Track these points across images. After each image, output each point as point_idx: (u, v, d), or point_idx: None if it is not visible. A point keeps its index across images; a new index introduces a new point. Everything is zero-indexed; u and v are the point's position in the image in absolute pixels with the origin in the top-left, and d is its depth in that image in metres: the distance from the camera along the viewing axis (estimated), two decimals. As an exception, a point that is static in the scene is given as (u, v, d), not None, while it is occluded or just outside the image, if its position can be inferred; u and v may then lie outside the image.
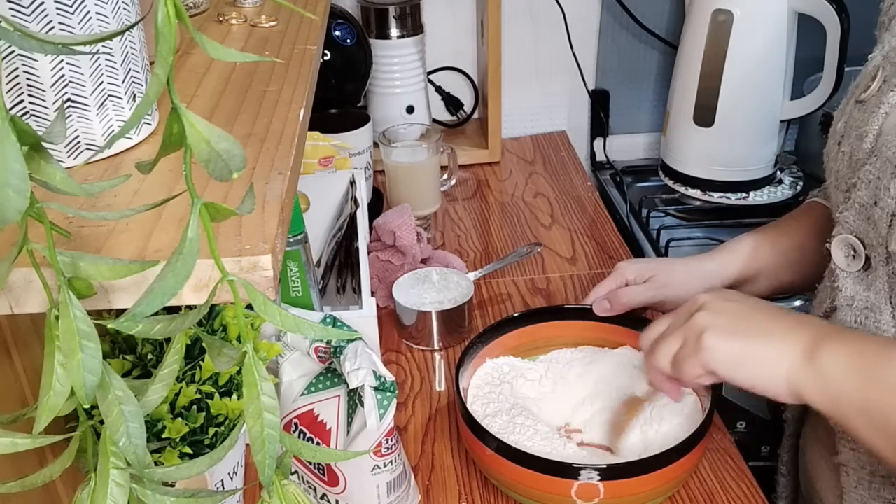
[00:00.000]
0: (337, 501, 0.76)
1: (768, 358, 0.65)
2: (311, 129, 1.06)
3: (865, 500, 0.72)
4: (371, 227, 1.14)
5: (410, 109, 1.46)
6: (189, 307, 0.36)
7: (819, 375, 0.63)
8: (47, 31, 0.41)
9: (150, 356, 0.66)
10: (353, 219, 0.98)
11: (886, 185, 0.66)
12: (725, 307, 0.69)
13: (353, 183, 1.00)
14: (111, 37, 0.37)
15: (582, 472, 0.73)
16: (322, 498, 0.77)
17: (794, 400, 0.65)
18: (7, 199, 0.28)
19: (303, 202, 0.96)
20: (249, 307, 0.36)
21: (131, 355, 0.66)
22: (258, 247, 0.38)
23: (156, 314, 0.33)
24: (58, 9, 0.41)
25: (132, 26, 0.46)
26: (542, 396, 0.89)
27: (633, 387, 0.88)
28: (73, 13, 0.42)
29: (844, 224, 0.72)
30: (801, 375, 0.63)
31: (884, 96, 0.69)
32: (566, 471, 0.74)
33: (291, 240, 0.84)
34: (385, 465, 0.74)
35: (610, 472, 0.74)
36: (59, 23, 0.41)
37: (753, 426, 1.12)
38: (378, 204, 1.33)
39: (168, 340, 0.41)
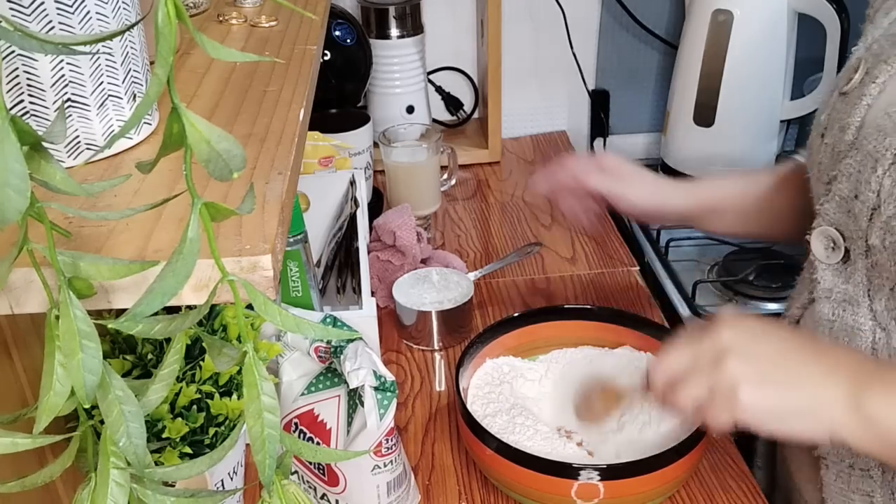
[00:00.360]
0: (337, 501, 0.76)
1: (809, 410, 0.62)
2: (311, 129, 1.06)
3: (845, 493, 0.73)
4: (371, 227, 1.14)
5: (410, 109, 1.46)
6: (189, 307, 0.36)
7: (869, 424, 0.60)
8: (47, 31, 0.41)
9: (150, 356, 0.66)
10: (353, 219, 0.98)
11: (867, 178, 0.66)
12: (755, 351, 0.63)
13: (353, 183, 1.00)
14: (111, 37, 0.37)
15: (582, 472, 0.73)
16: (322, 498, 0.77)
17: (836, 444, 0.64)
18: (7, 199, 0.28)
19: (303, 202, 0.96)
20: (249, 307, 0.36)
21: (131, 355, 0.66)
22: (258, 247, 0.38)
23: (156, 314, 0.33)
24: (58, 9, 0.41)
25: (132, 26, 0.46)
26: (542, 396, 0.89)
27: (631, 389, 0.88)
28: (73, 13, 0.42)
29: (825, 216, 0.72)
30: (848, 425, 0.60)
31: (865, 88, 0.69)
32: (566, 471, 0.74)
33: (291, 240, 0.84)
34: (385, 465, 0.74)
35: (610, 472, 0.74)
36: (60, 23, 0.42)
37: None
38: (378, 204, 1.33)
39: (168, 340, 0.41)
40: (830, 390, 0.61)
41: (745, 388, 0.61)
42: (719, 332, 0.64)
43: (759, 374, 0.62)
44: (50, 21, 0.41)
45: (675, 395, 0.65)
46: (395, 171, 1.23)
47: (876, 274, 0.68)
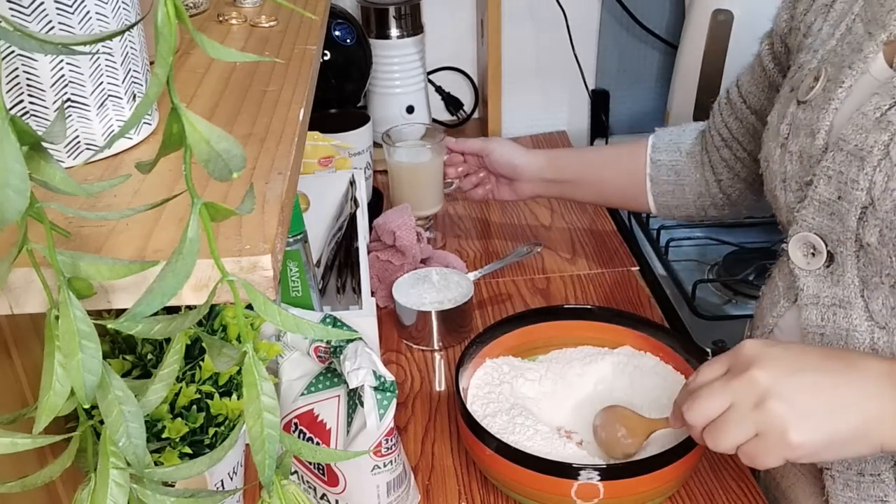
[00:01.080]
0: (337, 501, 0.76)
1: (860, 433, 0.61)
2: (311, 129, 1.06)
3: (855, 502, 0.72)
4: (371, 227, 1.14)
5: (410, 109, 1.46)
6: (189, 307, 0.36)
7: None
8: (47, 31, 0.41)
9: (150, 356, 0.66)
10: (353, 219, 0.98)
11: (854, 177, 0.66)
12: (794, 387, 0.62)
13: (353, 183, 1.00)
14: (111, 37, 0.37)
15: (582, 472, 0.73)
16: (322, 498, 0.77)
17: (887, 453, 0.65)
18: (7, 199, 0.28)
19: (303, 202, 0.96)
20: (249, 307, 0.36)
21: (131, 355, 0.66)
22: (258, 247, 0.38)
23: (156, 314, 0.33)
24: (58, 9, 0.41)
25: (132, 26, 0.46)
26: (542, 396, 0.89)
27: (631, 389, 0.88)
28: (73, 13, 0.42)
29: (802, 222, 0.72)
30: None
31: (831, 93, 0.71)
32: (566, 471, 0.74)
33: (291, 240, 0.84)
34: (385, 465, 0.74)
35: (610, 472, 0.74)
36: (60, 23, 0.42)
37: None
38: (378, 204, 1.33)
39: (168, 340, 0.41)
40: (875, 407, 0.61)
41: (793, 429, 0.61)
42: (753, 373, 0.63)
43: (804, 412, 0.61)
44: (50, 21, 0.41)
45: (716, 439, 0.64)
46: (397, 171, 1.22)
47: (872, 273, 0.68)
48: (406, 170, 1.22)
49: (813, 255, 0.72)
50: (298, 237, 0.85)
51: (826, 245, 0.70)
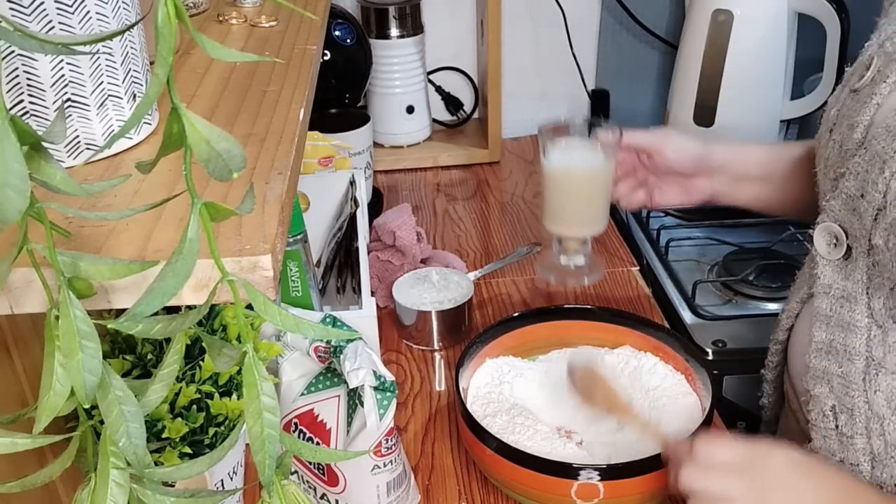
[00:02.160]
0: (337, 501, 0.76)
1: None
2: (311, 129, 1.06)
3: None
4: (371, 227, 1.14)
5: (410, 109, 1.46)
6: (189, 307, 0.36)
7: None
8: (47, 31, 0.41)
9: (150, 356, 0.66)
10: (353, 219, 0.98)
11: (875, 179, 0.66)
12: None
13: (353, 183, 1.00)
14: (111, 36, 0.37)
15: (582, 472, 0.73)
16: (322, 498, 0.77)
17: None
18: (7, 199, 0.28)
19: (303, 202, 0.96)
20: (249, 307, 0.36)
21: (131, 355, 0.66)
22: (258, 246, 0.38)
23: (156, 314, 0.33)
24: (58, 9, 0.41)
25: (132, 26, 0.46)
26: (542, 396, 0.89)
27: (631, 389, 0.88)
28: (73, 13, 0.42)
29: (830, 212, 0.72)
30: None
31: (877, 87, 0.69)
32: (566, 471, 0.74)
33: (291, 240, 0.84)
34: (385, 465, 0.74)
35: (610, 472, 0.74)
36: (60, 23, 0.41)
37: (753, 426, 1.12)
38: (378, 204, 1.33)
39: (168, 340, 0.41)
40: None
41: None
42: (728, 478, 0.65)
43: None
44: (50, 21, 0.41)
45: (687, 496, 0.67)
46: (556, 179, 0.93)
47: (877, 273, 0.68)
48: (570, 178, 0.94)
49: (835, 245, 0.72)
50: (298, 237, 0.85)
51: (847, 237, 0.70)
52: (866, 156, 0.67)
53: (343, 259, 1.00)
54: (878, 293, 0.69)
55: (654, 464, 0.74)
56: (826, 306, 0.73)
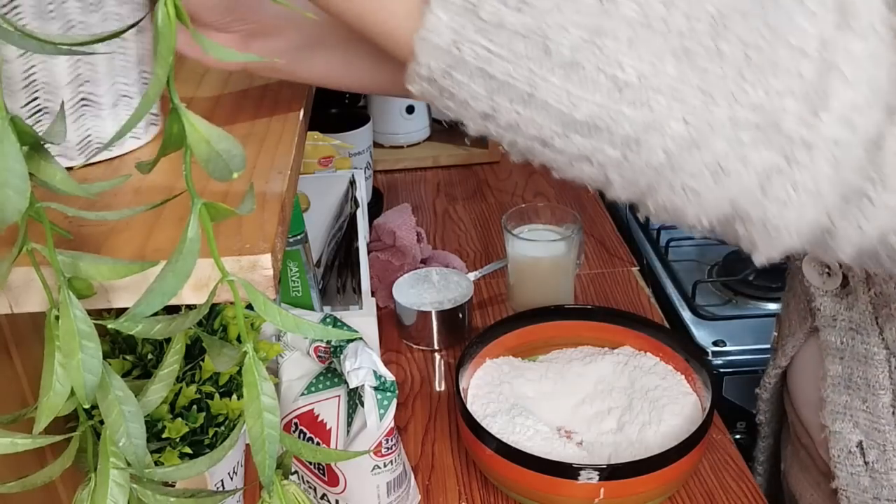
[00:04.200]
0: (337, 501, 0.76)
1: None
2: (311, 129, 1.06)
3: None
4: (371, 227, 1.14)
5: (410, 109, 1.46)
6: (189, 307, 0.36)
7: None
8: (67, 30, 0.41)
9: (150, 356, 0.66)
10: (353, 219, 0.98)
11: None
12: None
13: (353, 183, 1.00)
14: (113, 36, 0.36)
15: (582, 472, 0.73)
16: (322, 498, 0.77)
17: None
18: (7, 199, 0.28)
19: (303, 202, 0.96)
20: (249, 307, 0.36)
21: (131, 355, 0.66)
22: (258, 246, 0.38)
23: (156, 314, 0.33)
24: (79, 8, 0.41)
25: (131, 26, 0.46)
26: (542, 396, 0.89)
27: (631, 389, 0.88)
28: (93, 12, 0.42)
29: None
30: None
31: None
32: (566, 471, 0.74)
33: (291, 240, 0.84)
34: (385, 465, 0.74)
35: (610, 472, 0.74)
36: (80, 21, 0.41)
37: (753, 426, 1.12)
38: (378, 204, 1.33)
39: (168, 340, 0.41)
40: None
41: None
42: None
43: None
44: (70, 20, 0.41)
45: None
46: (522, 266, 1.02)
47: (882, 303, 0.65)
48: (533, 265, 1.02)
49: (829, 275, 0.68)
50: (298, 237, 0.85)
51: (840, 266, 0.67)
52: None
53: (343, 259, 1.00)
54: (889, 324, 0.65)
55: (654, 464, 0.74)
56: (835, 339, 0.69)
